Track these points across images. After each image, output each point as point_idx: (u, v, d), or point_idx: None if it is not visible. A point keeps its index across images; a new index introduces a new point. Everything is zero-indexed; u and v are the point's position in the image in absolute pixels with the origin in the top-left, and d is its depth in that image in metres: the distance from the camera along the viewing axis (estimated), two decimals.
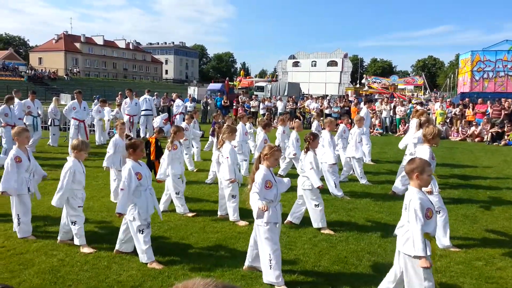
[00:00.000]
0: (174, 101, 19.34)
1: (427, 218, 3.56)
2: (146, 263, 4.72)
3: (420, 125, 7.79)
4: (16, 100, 11.73)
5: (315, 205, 5.95)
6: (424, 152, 5.53)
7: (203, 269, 4.68)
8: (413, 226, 3.52)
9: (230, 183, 6.23)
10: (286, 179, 4.85)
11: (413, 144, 7.74)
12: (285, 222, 6.21)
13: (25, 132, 5.67)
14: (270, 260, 4.24)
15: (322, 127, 10.96)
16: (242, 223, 6.21)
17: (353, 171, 9.26)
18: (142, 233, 4.72)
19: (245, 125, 10.61)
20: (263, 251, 4.32)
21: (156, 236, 5.55)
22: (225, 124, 7.61)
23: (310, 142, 6.07)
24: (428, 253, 3.49)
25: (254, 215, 4.27)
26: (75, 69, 56.91)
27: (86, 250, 5.11)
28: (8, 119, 10.96)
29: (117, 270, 4.62)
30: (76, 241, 5.17)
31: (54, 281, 4.33)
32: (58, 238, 5.39)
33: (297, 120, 15.89)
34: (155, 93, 24.08)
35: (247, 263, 4.69)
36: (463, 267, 4.88)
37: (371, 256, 5.14)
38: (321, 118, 15.60)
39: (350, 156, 9.14)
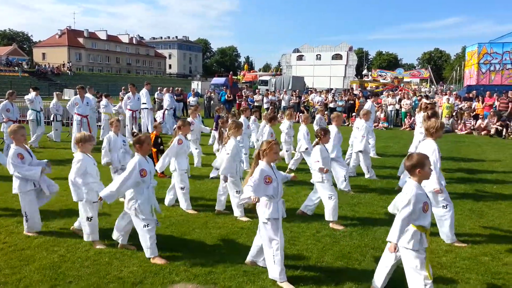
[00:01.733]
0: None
1: (424, 211, 3.65)
2: (149, 258, 4.68)
3: (428, 118, 7.66)
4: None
5: (329, 196, 5.94)
6: (429, 146, 5.43)
7: (205, 265, 4.62)
8: (400, 212, 3.63)
9: (224, 179, 6.23)
10: (288, 174, 4.82)
11: (420, 135, 7.67)
12: (297, 212, 6.30)
13: (20, 130, 5.56)
14: (274, 255, 4.21)
15: (326, 120, 10.88)
16: (245, 218, 6.17)
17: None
18: (146, 227, 4.68)
19: (248, 118, 10.53)
20: (266, 247, 4.29)
21: (158, 232, 5.49)
22: (230, 120, 7.53)
23: (321, 137, 6.11)
24: (425, 245, 3.64)
25: (241, 201, 4.31)
26: (68, 64, 56.84)
27: (99, 246, 5.08)
28: (10, 114, 10.95)
29: (118, 266, 4.58)
30: (89, 237, 5.11)
31: (55, 277, 4.30)
32: (75, 225, 5.41)
33: (304, 113, 15.82)
34: (158, 88, 23.96)
35: (249, 257, 4.67)
36: (469, 262, 4.80)
37: (375, 252, 5.06)
38: (326, 112, 15.50)
39: (357, 150, 9.02)
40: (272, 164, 4.46)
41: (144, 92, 14.91)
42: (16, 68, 47.36)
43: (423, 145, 5.63)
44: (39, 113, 12.61)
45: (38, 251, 4.93)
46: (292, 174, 4.85)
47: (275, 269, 4.21)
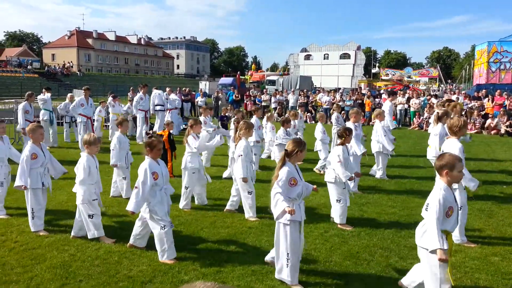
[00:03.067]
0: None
1: (447, 216, 3.50)
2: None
3: (439, 118, 7.52)
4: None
5: (337, 199, 5.90)
6: (453, 146, 5.29)
7: (213, 265, 4.65)
8: (430, 217, 3.47)
9: (243, 181, 6.15)
10: (310, 186, 4.52)
11: (435, 138, 7.41)
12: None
13: (39, 129, 5.74)
14: (288, 259, 4.14)
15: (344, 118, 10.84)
16: (253, 218, 6.17)
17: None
18: (163, 229, 4.67)
19: (260, 119, 10.55)
20: (281, 248, 4.21)
21: None
22: (242, 120, 7.52)
23: (345, 137, 6.07)
24: (445, 247, 3.41)
25: (275, 215, 4.11)
26: (68, 64, 57.02)
27: (107, 241, 5.17)
28: (29, 116, 11.09)
29: (127, 265, 4.62)
30: (94, 234, 5.19)
31: (66, 276, 4.35)
32: (72, 233, 5.42)
33: (319, 112, 15.82)
34: (167, 88, 24.07)
35: (269, 257, 4.61)
36: (479, 262, 4.76)
37: (384, 252, 5.05)
38: (341, 111, 15.47)
39: (376, 151, 8.81)
40: (296, 165, 4.36)
41: (158, 93, 15.11)
42: (19, 69, 47.66)
43: (447, 144, 5.52)
44: (51, 113, 12.75)
45: (49, 250, 4.99)
46: (314, 186, 4.55)
47: (286, 272, 4.15)
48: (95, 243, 5.20)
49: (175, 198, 6.82)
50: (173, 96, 16.69)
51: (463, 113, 19.31)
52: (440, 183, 3.60)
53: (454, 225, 3.63)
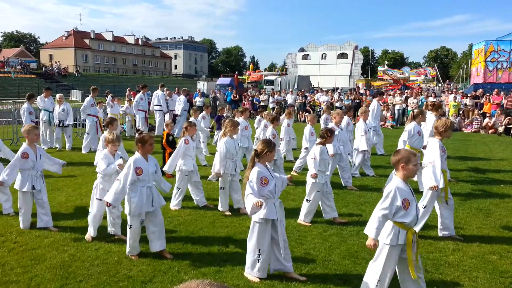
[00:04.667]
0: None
1: (404, 208, 3.61)
2: (161, 251, 4.79)
3: (413, 117, 8.05)
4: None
5: (307, 199, 6.02)
6: (433, 145, 5.49)
7: (213, 264, 4.67)
8: (377, 206, 3.68)
9: (216, 175, 6.40)
10: (284, 178, 4.70)
11: (404, 133, 8.00)
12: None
13: (34, 130, 5.75)
14: (260, 255, 4.24)
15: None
16: (226, 212, 6.48)
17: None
18: (130, 228, 4.76)
19: (246, 120, 10.46)
20: (251, 245, 4.30)
21: (167, 230, 5.53)
22: (227, 119, 7.53)
23: (326, 138, 6.12)
24: (400, 242, 3.58)
25: (248, 213, 4.18)
26: (57, 63, 56.31)
27: (88, 237, 5.32)
28: (32, 116, 11.10)
29: (127, 265, 4.64)
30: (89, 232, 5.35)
31: (66, 276, 4.36)
32: (111, 231, 5.44)
33: (310, 113, 15.79)
34: (165, 88, 24.06)
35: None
36: (477, 261, 4.80)
37: None
38: (331, 111, 15.44)
39: (355, 148, 9.07)
40: (267, 164, 4.43)
41: (159, 93, 15.09)
42: (11, 69, 47.24)
43: (428, 144, 5.72)
44: (51, 114, 12.73)
45: (49, 251, 5.00)
46: (289, 175, 4.69)
47: (257, 266, 4.28)
48: (94, 243, 5.22)
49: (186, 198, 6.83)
50: (175, 97, 16.67)
51: (461, 112, 19.45)
52: (395, 178, 3.75)
53: (414, 220, 3.67)
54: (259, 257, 4.26)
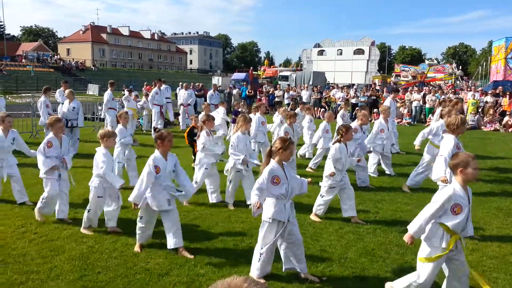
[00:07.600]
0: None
1: (453, 213, 3.51)
2: (176, 249, 4.80)
3: (441, 116, 7.92)
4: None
5: (321, 195, 6.00)
6: (448, 141, 5.42)
7: (228, 259, 4.69)
8: (427, 205, 3.60)
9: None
10: (304, 181, 4.43)
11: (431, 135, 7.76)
12: None
13: (58, 123, 5.85)
14: (261, 254, 4.18)
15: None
16: (230, 206, 6.57)
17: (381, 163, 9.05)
18: (139, 219, 4.88)
19: (263, 115, 10.43)
20: (258, 244, 4.27)
21: (183, 225, 5.56)
22: (240, 115, 7.52)
23: (342, 134, 5.96)
24: (443, 246, 3.51)
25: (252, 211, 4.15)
26: (78, 61, 57.00)
27: (86, 232, 5.39)
28: (49, 109, 11.25)
29: (144, 257, 4.69)
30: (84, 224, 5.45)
31: (84, 268, 4.43)
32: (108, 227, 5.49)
33: (326, 110, 15.69)
34: (183, 84, 24.23)
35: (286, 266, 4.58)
36: (497, 262, 4.71)
37: (400, 249, 5.02)
38: (348, 108, 15.34)
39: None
40: (284, 163, 4.24)
41: (167, 87, 15.21)
42: (30, 64, 48.06)
43: (443, 140, 5.66)
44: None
45: (68, 242, 5.08)
46: (309, 179, 4.51)
47: (257, 266, 4.22)
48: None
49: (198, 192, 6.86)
50: (182, 91, 16.78)
51: (480, 110, 19.07)
52: (454, 182, 3.62)
53: (460, 225, 3.52)
54: (260, 256, 4.19)
